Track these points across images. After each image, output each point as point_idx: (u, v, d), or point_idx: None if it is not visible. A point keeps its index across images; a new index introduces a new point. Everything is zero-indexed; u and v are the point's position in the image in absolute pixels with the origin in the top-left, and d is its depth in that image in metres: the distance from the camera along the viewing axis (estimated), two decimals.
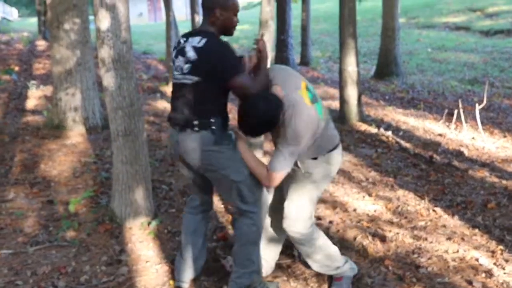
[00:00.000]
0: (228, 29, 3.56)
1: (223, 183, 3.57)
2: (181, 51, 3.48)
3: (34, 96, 10.69)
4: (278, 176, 3.43)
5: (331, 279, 3.98)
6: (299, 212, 3.66)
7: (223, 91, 3.46)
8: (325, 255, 3.83)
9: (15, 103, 10.08)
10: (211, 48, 3.35)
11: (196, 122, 3.40)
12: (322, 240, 3.81)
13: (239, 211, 3.59)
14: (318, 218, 5.15)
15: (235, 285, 3.65)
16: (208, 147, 3.43)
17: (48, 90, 11.02)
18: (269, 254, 4.08)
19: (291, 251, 4.41)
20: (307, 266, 4.14)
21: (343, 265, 3.89)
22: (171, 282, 3.97)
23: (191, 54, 3.38)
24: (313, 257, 3.84)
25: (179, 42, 3.55)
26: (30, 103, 10.09)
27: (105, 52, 4.52)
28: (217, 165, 3.47)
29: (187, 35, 3.54)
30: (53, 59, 7.94)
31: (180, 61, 3.47)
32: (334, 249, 3.89)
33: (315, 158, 3.58)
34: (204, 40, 3.37)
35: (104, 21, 4.49)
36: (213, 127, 3.42)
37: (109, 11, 4.46)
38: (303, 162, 3.59)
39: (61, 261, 4.26)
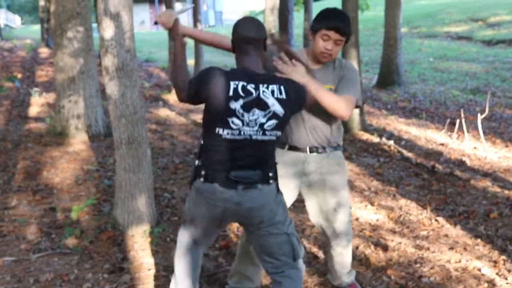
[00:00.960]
0: (266, 60, 3.24)
1: (277, 238, 3.14)
2: (257, 103, 2.92)
3: (37, 103, 10.71)
4: (354, 103, 3.44)
5: None
6: (347, 216, 3.76)
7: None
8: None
9: (17, 110, 10.11)
10: (291, 93, 3.00)
11: (271, 174, 3.07)
12: None
13: (286, 265, 3.21)
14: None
15: None
16: (277, 198, 3.13)
17: (50, 97, 11.05)
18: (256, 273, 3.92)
19: None
20: (308, 275, 4.15)
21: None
22: None
23: (277, 108, 2.94)
24: (348, 259, 3.87)
25: (245, 89, 2.92)
26: (33, 110, 10.12)
27: (109, 61, 4.54)
28: (279, 217, 3.13)
29: (251, 80, 2.95)
30: (57, 66, 7.98)
31: (256, 115, 2.93)
32: None
33: (338, 146, 3.69)
34: (283, 89, 2.98)
35: (108, 29, 4.51)
36: (275, 180, 3.14)
37: (113, 20, 4.49)
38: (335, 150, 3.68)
39: (64, 268, 4.26)
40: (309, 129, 3.55)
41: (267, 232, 3.11)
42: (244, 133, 2.92)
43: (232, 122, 2.89)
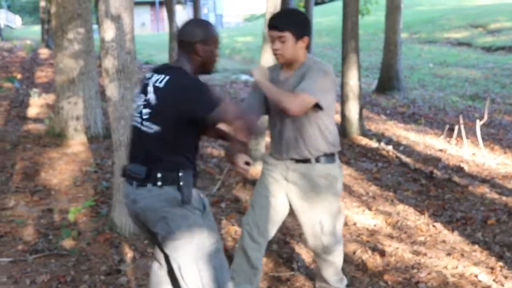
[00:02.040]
0: (209, 65, 3.05)
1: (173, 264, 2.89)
2: (143, 89, 2.95)
3: (36, 104, 10.71)
4: (308, 101, 3.28)
5: None
6: (334, 234, 3.65)
7: (194, 136, 2.98)
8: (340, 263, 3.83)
9: (16, 111, 10.10)
10: (173, 86, 2.84)
11: (159, 175, 2.82)
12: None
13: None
14: None
15: None
16: (170, 208, 2.84)
17: (50, 98, 11.04)
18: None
19: (290, 263, 4.41)
20: (307, 279, 4.15)
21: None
22: None
23: (151, 96, 2.86)
24: (337, 266, 3.79)
25: (145, 77, 3.00)
26: (32, 111, 10.11)
27: (109, 62, 4.55)
28: (176, 232, 2.82)
29: (154, 70, 3.00)
30: (56, 67, 7.98)
31: (140, 102, 2.94)
32: None
33: (332, 155, 3.56)
34: (166, 79, 2.85)
35: (108, 31, 4.51)
36: (181, 183, 2.84)
37: (114, 22, 4.49)
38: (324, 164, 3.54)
39: (61, 270, 4.25)
40: (287, 141, 3.51)
41: (165, 247, 2.88)
42: (136, 121, 2.94)
43: (135, 110, 2.98)
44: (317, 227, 3.58)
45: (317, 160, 3.51)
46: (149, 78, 2.93)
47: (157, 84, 2.85)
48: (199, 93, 2.80)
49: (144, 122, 2.86)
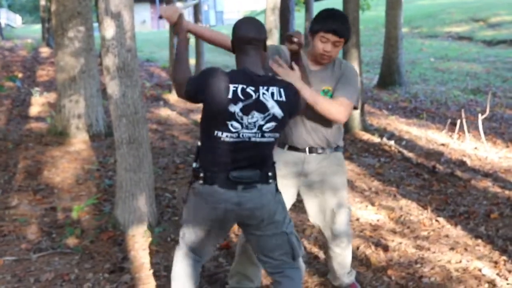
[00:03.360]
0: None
1: (276, 238, 3.16)
2: (256, 106, 2.91)
3: (38, 103, 10.72)
4: (351, 107, 3.48)
5: None
6: (346, 216, 3.76)
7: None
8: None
9: (18, 110, 10.12)
10: (292, 98, 3.03)
11: (270, 174, 3.08)
12: None
13: (286, 265, 3.22)
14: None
15: None
16: (276, 198, 3.14)
17: (51, 97, 11.06)
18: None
19: None
20: (310, 275, 4.15)
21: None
22: None
23: (276, 111, 2.94)
24: (348, 260, 3.88)
25: (244, 92, 2.90)
26: (34, 110, 10.13)
27: (109, 60, 4.55)
28: (278, 216, 3.14)
29: (251, 82, 2.94)
30: (57, 66, 7.98)
31: (256, 117, 2.92)
32: None
33: (338, 147, 3.71)
34: (283, 91, 2.98)
35: (109, 29, 4.51)
36: (274, 180, 3.14)
37: (114, 20, 4.49)
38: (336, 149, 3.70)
39: (64, 268, 4.26)
40: (308, 130, 3.57)
41: (266, 232, 3.11)
42: (243, 135, 2.91)
43: (231, 125, 2.88)
44: (328, 214, 3.71)
45: (336, 149, 3.69)
46: (256, 92, 2.91)
47: (277, 98, 2.94)
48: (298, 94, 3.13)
49: (266, 134, 2.96)
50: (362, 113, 9.29)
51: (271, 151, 3.10)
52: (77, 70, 7.87)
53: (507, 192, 6.23)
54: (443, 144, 8.60)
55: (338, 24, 3.38)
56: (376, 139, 8.75)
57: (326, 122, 3.53)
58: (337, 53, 3.48)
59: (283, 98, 2.95)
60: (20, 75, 14.02)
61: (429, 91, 14.54)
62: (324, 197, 3.69)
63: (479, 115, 9.08)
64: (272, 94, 2.93)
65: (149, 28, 46.80)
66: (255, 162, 3.00)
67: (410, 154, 7.91)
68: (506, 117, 11.13)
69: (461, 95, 13.95)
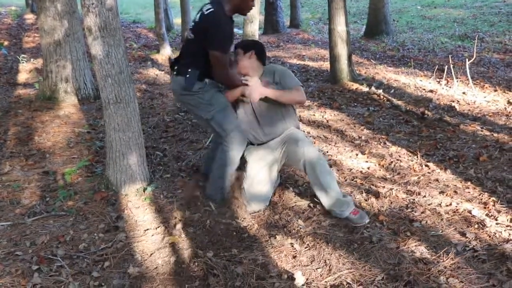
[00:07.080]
0: (243, 10, 4.32)
1: (202, 122, 4.68)
2: (198, 13, 4.29)
3: (25, 70, 10.64)
4: (302, 89, 4.47)
5: (326, 237, 4.05)
6: (311, 146, 4.39)
7: (206, 53, 4.19)
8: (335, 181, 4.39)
9: (6, 77, 10.04)
10: (210, 18, 4.14)
11: (176, 67, 4.37)
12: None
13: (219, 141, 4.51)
14: None
15: (210, 196, 4.63)
16: (182, 91, 4.37)
17: (38, 63, 10.97)
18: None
19: (287, 211, 4.47)
20: (303, 225, 4.20)
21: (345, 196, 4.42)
22: (170, 237, 4.10)
23: (197, 16, 4.28)
24: (332, 186, 4.29)
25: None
26: (21, 77, 10.05)
27: (91, 20, 4.49)
28: (191, 106, 4.45)
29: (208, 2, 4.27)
30: (41, 30, 7.89)
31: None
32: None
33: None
34: (211, 10, 4.16)
35: None
36: (187, 76, 4.28)
37: None
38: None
39: (59, 230, 4.29)
40: (264, 129, 4.57)
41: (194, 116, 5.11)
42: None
43: None
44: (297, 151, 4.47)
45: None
46: (203, 7, 4.26)
47: (204, 11, 4.22)
48: (221, 33, 4.17)
49: (190, 32, 4.36)
50: (350, 63, 9.26)
51: (188, 50, 4.41)
52: (62, 34, 7.78)
53: (495, 135, 6.27)
54: (431, 91, 8.62)
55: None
56: (364, 88, 8.75)
57: (276, 113, 4.55)
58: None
59: (206, 12, 4.19)
60: (6, 42, 13.87)
61: (417, 39, 14.49)
62: (289, 146, 4.44)
63: (467, 60, 9.08)
64: (206, 7, 4.25)
65: None
66: (181, 54, 4.53)
67: (399, 102, 7.93)
68: (494, 61, 11.13)
69: (449, 41, 13.91)
